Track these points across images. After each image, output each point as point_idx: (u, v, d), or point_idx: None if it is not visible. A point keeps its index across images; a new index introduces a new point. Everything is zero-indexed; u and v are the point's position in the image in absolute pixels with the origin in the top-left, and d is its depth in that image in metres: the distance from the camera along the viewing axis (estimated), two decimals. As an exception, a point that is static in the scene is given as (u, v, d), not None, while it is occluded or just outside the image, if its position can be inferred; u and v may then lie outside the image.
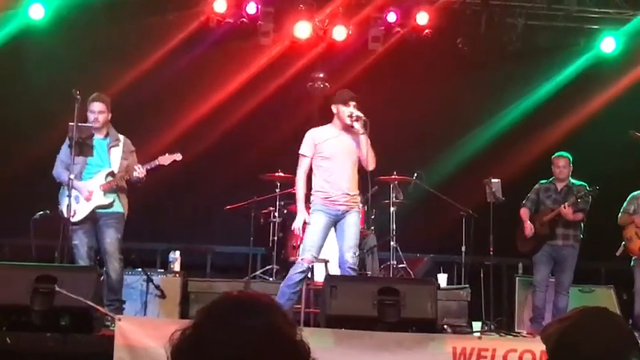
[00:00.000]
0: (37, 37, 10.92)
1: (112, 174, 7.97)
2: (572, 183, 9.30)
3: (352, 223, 7.67)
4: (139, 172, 7.92)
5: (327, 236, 7.72)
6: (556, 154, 9.43)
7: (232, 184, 11.10)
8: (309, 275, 8.73)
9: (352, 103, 7.70)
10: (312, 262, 7.64)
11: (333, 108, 7.78)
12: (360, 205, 8.00)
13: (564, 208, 8.98)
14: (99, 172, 7.97)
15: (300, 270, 7.54)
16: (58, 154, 8.06)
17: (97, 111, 7.94)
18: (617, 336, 2.29)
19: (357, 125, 7.62)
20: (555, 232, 9.13)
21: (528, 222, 9.26)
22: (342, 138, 7.74)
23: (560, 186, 9.31)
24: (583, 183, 9.26)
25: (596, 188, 9.01)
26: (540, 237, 9.18)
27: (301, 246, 7.73)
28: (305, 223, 7.68)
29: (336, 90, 8.02)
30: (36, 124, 10.53)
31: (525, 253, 9.43)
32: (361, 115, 7.63)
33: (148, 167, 8.00)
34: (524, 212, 9.36)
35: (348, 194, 7.66)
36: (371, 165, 7.81)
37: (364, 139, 7.65)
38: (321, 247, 7.66)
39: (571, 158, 9.33)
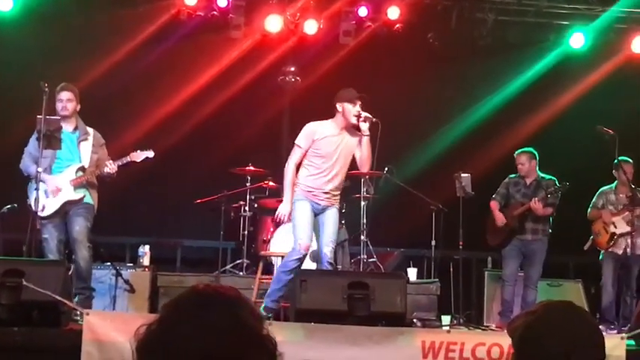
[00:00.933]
0: (5, 29, 10.80)
1: (82, 169, 7.93)
2: (542, 177, 9.36)
3: (331, 219, 7.69)
4: (111, 167, 7.88)
5: (313, 224, 7.71)
6: (517, 151, 9.49)
7: (202, 178, 11.07)
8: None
9: (358, 103, 7.66)
10: (309, 247, 7.61)
11: (338, 106, 7.67)
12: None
13: (534, 203, 9.03)
14: (69, 167, 7.92)
15: (296, 257, 7.52)
16: (25, 146, 7.99)
17: (66, 99, 7.90)
18: (581, 329, 2.31)
19: (364, 126, 7.59)
20: (525, 227, 9.19)
21: (499, 213, 9.31)
22: (342, 137, 7.70)
23: (528, 180, 9.37)
24: (552, 177, 9.32)
25: (566, 184, 9.07)
26: (510, 231, 9.24)
27: (294, 235, 7.65)
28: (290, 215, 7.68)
29: (339, 87, 7.94)
30: (3, 116, 10.42)
31: (494, 246, 9.49)
32: (370, 115, 7.60)
33: (120, 163, 7.97)
34: (494, 205, 9.42)
35: (331, 193, 7.68)
36: (365, 167, 7.84)
37: (366, 141, 7.64)
38: (311, 234, 7.65)
39: (535, 153, 9.37)
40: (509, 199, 9.41)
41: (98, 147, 8.09)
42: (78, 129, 8.01)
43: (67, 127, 7.95)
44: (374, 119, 7.61)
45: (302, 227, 7.58)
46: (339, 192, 7.80)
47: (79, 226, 7.82)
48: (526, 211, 9.12)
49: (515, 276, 9.29)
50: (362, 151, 7.69)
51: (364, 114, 7.60)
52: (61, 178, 7.86)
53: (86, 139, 8.02)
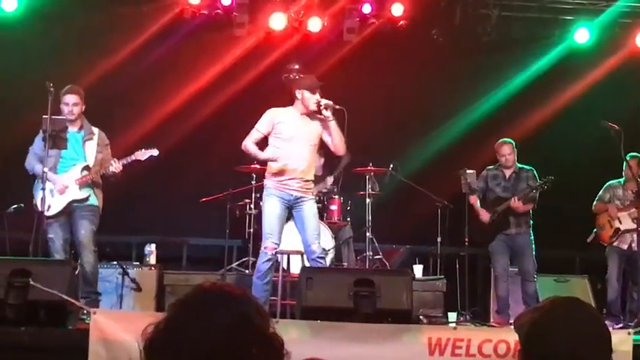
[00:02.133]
0: (9, 29, 10.81)
1: (87, 168, 7.93)
2: (520, 168, 9.28)
3: (310, 215, 7.69)
4: (116, 166, 7.88)
5: (284, 222, 7.74)
6: (499, 140, 9.39)
7: (207, 177, 11.07)
8: (285, 267, 8.75)
9: (318, 92, 7.70)
10: (275, 248, 7.61)
11: (298, 93, 7.76)
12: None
13: (514, 202, 8.97)
14: (74, 166, 7.93)
15: (266, 259, 7.56)
16: (31, 146, 8.01)
17: (72, 103, 7.90)
18: (588, 325, 2.31)
19: (327, 112, 7.61)
20: (509, 221, 9.09)
21: (483, 210, 9.23)
22: (304, 121, 7.75)
23: (508, 173, 9.27)
24: (530, 167, 9.25)
25: (551, 178, 8.97)
26: (494, 226, 9.16)
27: (263, 235, 7.71)
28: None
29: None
30: (8, 116, 10.43)
31: (480, 243, 9.40)
32: (331, 103, 7.62)
33: (125, 162, 7.98)
34: (474, 199, 9.28)
35: (302, 179, 7.67)
36: (341, 150, 7.85)
37: (334, 125, 7.65)
38: (280, 232, 7.66)
39: (514, 144, 9.32)
40: (488, 193, 9.31)
41: (103, 146, 8.10)
42: (83, 128, 8.02)
43: (73, 127, 7.97)
44: (337, 106, 7.63)
45: (268, 229, 7.62)
46: (310, 179, 7.79)
47: (85, 230, 7.83)
48: (508, 208, 9.05)
49: (507, 271, 9.17)
50: (332, 136, 7.71)
51: (324, 101, 7.62)
52: (67, 177, 7.88)
53: (91, 139, 8.03)
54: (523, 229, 9.11)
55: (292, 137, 7.68)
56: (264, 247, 7.59)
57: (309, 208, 7.71)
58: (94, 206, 7.97)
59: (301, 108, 7.77)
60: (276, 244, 7.61)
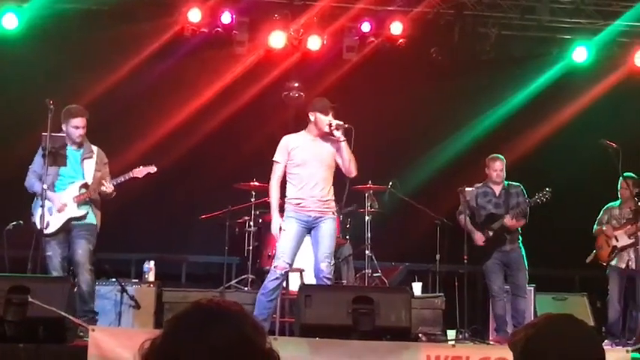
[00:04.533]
0: (10, 47, 10.85)
1: (85, 186, 7.95)
2: (508, 184, 9.26)
3: (327, 233, 7.67)
4: (107, 187, 7.89)
5: (300, 243, 7.72)
6: (491, 155, 9.37)
7: (207, 194, 11.09)
8: (284, 284, 8.75)
9: (331, 112, 7.73)
10: (286, 269, 7.61)
11: (311, 115, 7.78)
12: (338, 214, 7.99)
13: (509, 220, 8.97)
14: (72, 184, 7.94)
15: (274, 277, 7.54)
16: (30, 164, 8.02)
17: (82, 126, 7.94)
18: (582, 342, 2.32)
19: (338, 133, 7.64)
20: (505, 238, 9.07)
21: (476, 231, 9.21)
22: (316, 144, 7.77)
23: (497, 189, 9.25)
24: (518, 183, 9.25)
25: (549, 190, 8.96)
26: (490, 243, 9.13)
27: (275, 254, 7.73)
28: (281, 229, 7.69)
29: (313, 98, 8.02)
30: (7, 134, 10.46)
31: (475, 261, 9.34)
32: (342, 123, 7.65)
33: (122, 180, 7.99)
34: (464, 220, 9.19)
35: (320, 200, 7.67)
36: (353, 172, 7.84)
37: (344, 146, 7.67)
38: (294, 254, 7.66)
39: (504, 160, 9.33)
40: (479, 211, 9.29)
41: (101, 165, 8.12)
42: (82, 147, 8.05)
43: (72, 145, 7.99)
44: (346, 125, 7.65)
45: (282, 248, 7.61)
46: (329, 198, 7.78)
47: (82, 250, 7.82)
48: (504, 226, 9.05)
49: (503, 289, 9.14)
50: (342, 157, 7.73)
51: (335, 122, 7.65)
52: (65, 194, 7.89)
53: (90, 157, 8.05)
54: (516, 244, 9.11)
55: (306, 161, 7.69)
56: (275, 267, 7.58)
57: (327, 227, 7.68)
58: (91, 225, 7.97)
59: (314, 130, 7.78)
60: (287, 264, 7.59)
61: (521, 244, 9.10)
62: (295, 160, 7.71)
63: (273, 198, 7.75)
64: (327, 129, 7.68)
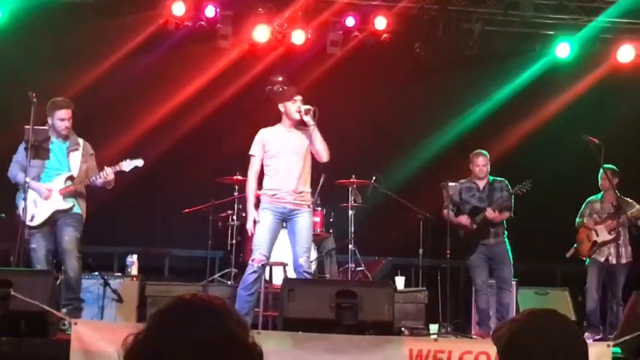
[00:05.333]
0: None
1: (71, 178, 7.94)
2: (493, 179, 9.33)
3: (303, 227, 7.69)
4: (108, 173, 7.89)
5: (276, 235, 7.75)
6: (475, 151, 9.44)
7: (190, 188, 11.07)
8: (267, 278, 8.75)
9: (298, 98, 7.75)
10: (263, 261, 7.61)
11: (280, 107, 7.82)
12: (314, 207, 8.00)
13: (489, 213, 9.01)
14: (58, 176, 7.93)
15: (252, 271, 7.56)
16: (14, 154, 8.00)
17: (67, 118, 7.93)
18: (565, 337, 2.34)
19: (308, 117, 7.64)
20: (488, 231, 9.12)
21: (461, 217, 9.24)
22: (290, 134, 7.79)
23: (481, 184, 9.31)
24: (502, 178, 9.31)
25: (530, 181, 8.98)
26: (473, 237, 9.18)
27: (252, 247, 7.72)
28: (255, 223, 7.69)
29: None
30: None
31: (459, 255, 9.37)
32: (309, 107, 7.66)
33: (115, 170, 7.99)
34: (451, 215, 9.22)
35: (295, 192, 7.67)
36: (325, 156, 7.84)
37: (314, 131, 7.67)
38: (271, 246, 7.68)
39: (488, 156, 9.38)
40: (463, 206, 9.33)
41: (88, 157, 8.11)
42: (69, 139, 8.03)
43: (58, 138, 7.98)
44: (312, 108, 7.66)
45: (258, 241, 7.63)
46: (305, 191, 7.79)
47: (69, 236, 7.81)
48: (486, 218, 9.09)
49: (486, 284, 9.17)
50: (313, 142, 7.73)
51: (304, 107, 7.67)
52: (50, 186, 7.87)
53: (76, 149, 8.04)
54: (500, 238, 9.14)
55: (279, 152, 7.71)
56: (252, 260, 7.60)
57: (303, 221, 7.70)
58: (78, 214, 7.96)
59: (287, 122, 7.82)
60: (264, 256, 7.60)
61: (506, 239, 9.15)
62: (270, 152, 7.74)
63: (250, 191, 7.78)
64: (297, 116, 7.71)
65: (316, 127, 7.67)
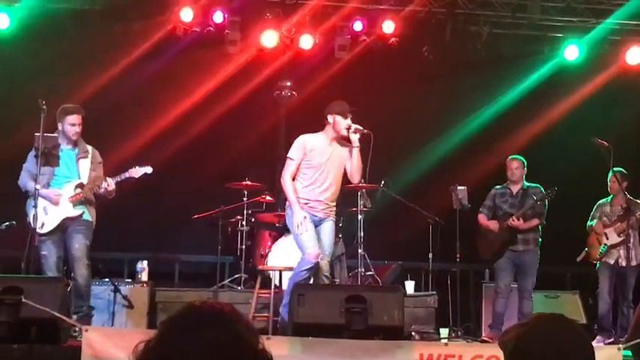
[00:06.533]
0: (1, 47, 10.83)
1: (80, 185, 7.96)
2: (527, 186, 9.37)
3: (327, 232, 7.70)
4: (108, 183, 7.90)
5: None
6: (510, 157, 9.50)
7: (199, 193, 11.09)
8: (277, 284, 8.76)
9: (350, 116, 7.72)
10: (319, 255, 7.50)
11: (329, 118, 7.74)
12: (335, 218, 7.97)
13: (512, 221, 9.04)
14: (68, 183, 7.96)
15: (307, 267, 7.46)
16: (24, 163, 8.03)
17: (77, 123, 7.96)
18: (572, 341, 2.34)
19: (355, 137, 7.65)
20: (516, 237, 9.15)
21: (491, 222, 9.29)
22: (333, 148, 7.75)
23: (515, 189, 9.37)
24: (537, 185, 9.33)
25: (555, 189, 9.05)
26: (501, 243, 9.21)
27: (300, 246, 7.58)
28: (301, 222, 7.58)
29: (334, 100, 7.97)
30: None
31: (487, 260, 9.44)
32: (360, 127, 7.67)
33: (119, 179, 8.01)
34: (482, 218, 9.39)
35: (327, 204, 7.69)
36: (356, 179, 7.91)
37: (356, 152, 7.69)
38: (317, 242, 7.56)
39: (525, 162, 9.40)
40: (497, 211, 9.38)
41: (96, 164, 8.14)
42: (78, 146, 8.07)
43: (67, 145, 8.01)
44: (365, 131, 7.68)
45: (307, 237, 7.54)
46: (334, 203, 7.82)
47: (79, 244, 7.83)
48: (509, 227, 9.11)
49: (508, 289, 9.24)
50: (352, 163, 7.74)
51: (354, 126, 7.67)
52: (60, 192, 7.89)
53: (85, 157, 8.07)
54: (530, 246, 9.17)
55: (321, 164, 7.69)
56: (308, 254, 7.46)
57: (328, 227, 7.72)
58: (88, 221, 7.99)
59: (331, 133, 7.76)
60: (318, 251, 7.51)
61: (537, 247, 9.18)
62: (312, 162, 7.68)
63: (291, 192, 7.63)
64: (345, 132, 7.68)
65: (358, 149, 7.67)
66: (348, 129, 7.66)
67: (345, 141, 7.78)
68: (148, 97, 11.37)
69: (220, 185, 10.23)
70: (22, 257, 7.62)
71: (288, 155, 7.78)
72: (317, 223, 7.69)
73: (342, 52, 11.61)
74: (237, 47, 11.46)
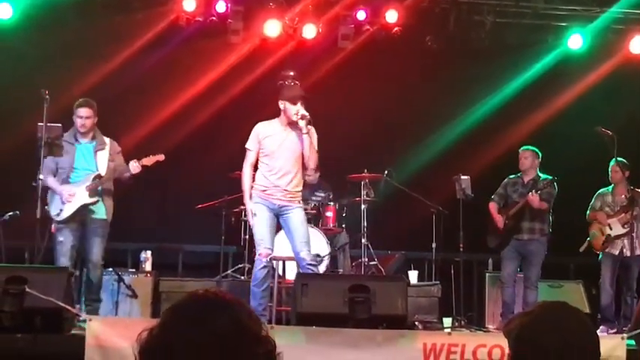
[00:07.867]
0: (4, 37, 10.83)
1: (98, 177, 8.06)
2: (539, 176, 9.38)
3: (297, 223, 7.70)
4: (135, 166, 8.07)
5: (275, 227, 7.76)
6: (523, 147, 9.54)
7: (203, 183, 11.09)
8: (280, 273, 8.76)
9: (299, 102, 7.68)
10: (269, 254, 7.61)
11: (280, 104, 7.76)
12: (302, 204, 7.97)
13: (532, 195, 9.03)
14: (87, 176, 8.07)
15: (261, 266, 7.58)
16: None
17: (85, 116, 8.07)
18: (576, 329, 2.34)
19: (302, 123, 7.61)
20: (521, 226, 9.18)
21: (498, 215, 9.33)
22: (286, 134, 7.75)
23: (526, 179, 9.40)
24: (549, 176, 9.33)
25: (555, 178, 9.11)
26: (507, 232, 9.24)
27: (255, 243, 7.73)
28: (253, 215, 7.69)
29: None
30: (2, 124, 10.45)
31: (494, 248, 9.49)
32: (306, 113, 7.62)
33: (143, 163, 8.16)
34: (492, 206, 9.44)
35: (287, 190, 7.67)
36: (311, 164, 7.83)
37: (307, 139, 7.64)
38: (272, 238, 7.70)
39: (539, 153, 9.41)
40: (508, 200, 9.42)
41: (115, 154, 8.29)
42: (95, 139, 8.20)
43: (85, 138, 8.15)
44: (308, 117, 7.61)
45: (259, 235, 7.65)
46: (298, 189, 7.79)
47: (97, 249, 8.07)
48: (522, 208, 9.12)
49: (513, 277, 9.28)
50: (304, 148, 7.70)
51: (302, 112, 7.61)
52: (74, 191, 7.97)
53: (103, 149, 8.20)
54: (536, 235, 9.20)
55: (273, 152, 7.71)
56: (258, 254, 7.62)
57: (296, 216, 7.72)
58: (105, 221, 8.16)
59: (284, 119, 7.78)
60: (269, 249, 7.62)
61: (545, 239, 9.22)
62: (265, 150, 7.74)
63: (246, 184, 7.79)
64: (294, 118, 7.65)
65: (309, 135, 7.63)
66: (297, 115, 7.62)
67: (298, 126, 7.74)
68: (150, 87, 11.36)
69: (224, 175, 10.22)
70: (26, 247, 7.64)
71: (245, 146, 7.85)
72: (280, 212, 7.69)
73: (346, 41, 11.58)
74: (240, 37, 11.44)
